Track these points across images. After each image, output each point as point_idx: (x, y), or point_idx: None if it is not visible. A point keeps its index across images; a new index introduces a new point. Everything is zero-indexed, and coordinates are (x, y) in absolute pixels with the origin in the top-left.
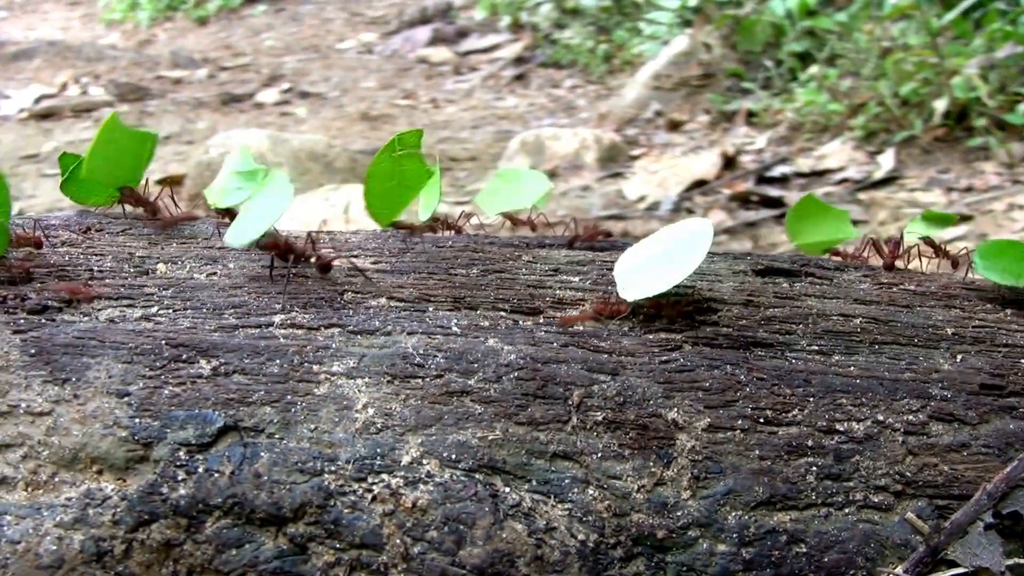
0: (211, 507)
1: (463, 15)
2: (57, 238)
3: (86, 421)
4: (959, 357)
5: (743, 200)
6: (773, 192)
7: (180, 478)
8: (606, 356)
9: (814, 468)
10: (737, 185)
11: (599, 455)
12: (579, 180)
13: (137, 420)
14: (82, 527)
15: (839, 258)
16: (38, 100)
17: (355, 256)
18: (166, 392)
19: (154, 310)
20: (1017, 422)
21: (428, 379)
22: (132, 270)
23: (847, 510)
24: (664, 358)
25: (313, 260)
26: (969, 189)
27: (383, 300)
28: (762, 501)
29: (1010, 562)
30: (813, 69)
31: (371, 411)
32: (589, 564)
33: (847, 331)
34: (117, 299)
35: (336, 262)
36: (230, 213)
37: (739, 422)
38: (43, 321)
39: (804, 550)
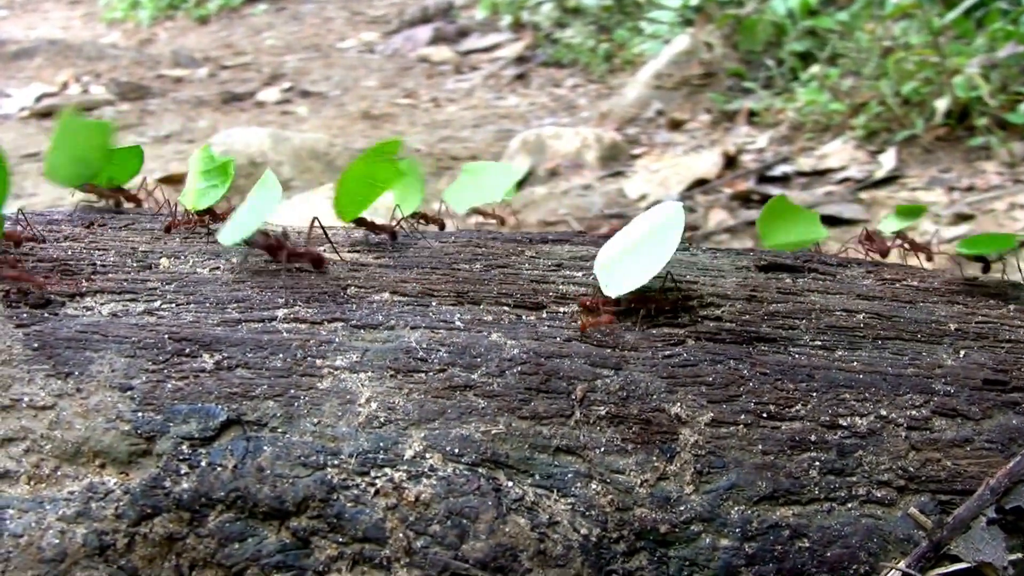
0: (214, 501)
1: (464, 14)
2: (60, 233)
3: (89, 415)
4: (962, 353)
5: (744, 199)
6: (774, 191)
7: (183, 472)
8: (609, 351)
9: (817, 463)
10: (738, 184)
11: (602, 449)
12: (580, 179)
13: (140, 414)
14: (85, 521)
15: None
16: (39, 99)
17: (357, 251)
18: (169, 386)
19: (157, 304)
20: (1020, 417)
21: (431, 373)
22: (135, 264)
23: (850, 505)
24: (667, 353)
25: (305, 256)
26: (970, 188)
27: (386, 295)
28: (765, 496)
29: (1013, 557)
30: (814, 68)
31: (374, 405)
32: (592, 558)
33: (850, 326)
34: (120, 293)
35: (328, 253)
36: (212, 213)
37: (742, 417)
38: (46, 315)
39: (807, 545)
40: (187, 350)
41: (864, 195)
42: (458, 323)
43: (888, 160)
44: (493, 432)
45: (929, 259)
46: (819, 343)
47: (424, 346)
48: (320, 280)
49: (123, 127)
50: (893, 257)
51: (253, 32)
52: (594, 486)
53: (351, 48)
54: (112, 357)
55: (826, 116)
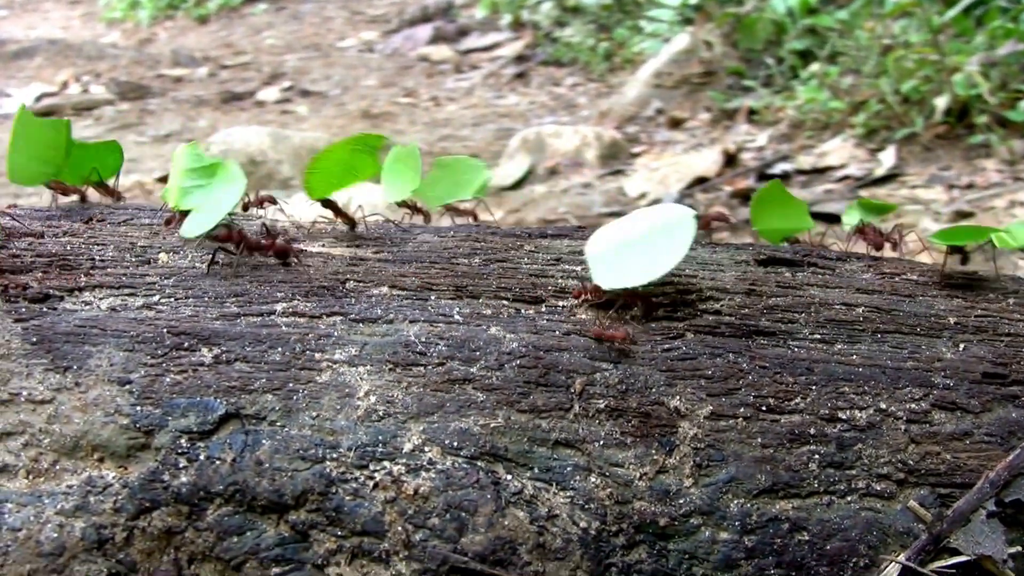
0: (212, 495)
1: (464, 13)
2: (59, 228)
3: (87, 409)
4: (961, 346)
5: (744, 197)
6: None
7: (181, 466)
8: (608, 344)
9: (816, 456)
10: (738, 182)
11: (601, 443)
12: (580, 177)
13: (138, 408)
14: (83, 515)
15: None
16: (39, 98)
17: (357, 246)
18: (168, 380)
19: (156, 299)
20: (1019, 410)
21: (430, 367)
22: (134, 259)
23: (849, 498)
24: (666, 346)
25: (269, 249)
26: (970, 186)
27: (385, 289)
28: (764, 489)
29: (1013, 550)
30: (814, 67)
31: (373, 399)
32: (591, 551)
33: (849, 320)
34: (119, 288)
35: (337, 251)
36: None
37: (741, 410)
38: (44, 310)
39: (806, 538)
40: (186, 344)
41: (864, 193)
42: (457, 317)
43: (888, 158)
44: (492, 425)
45: (895, 248)
46: (818, 337)
47: (423, 340)
48: (319, 274)
49: (123, 126)
50: (860, 249)
51: (253, 31)
52: (593, 479)
53: (351, 47)
54: (111, 351)
55: (826, 114)
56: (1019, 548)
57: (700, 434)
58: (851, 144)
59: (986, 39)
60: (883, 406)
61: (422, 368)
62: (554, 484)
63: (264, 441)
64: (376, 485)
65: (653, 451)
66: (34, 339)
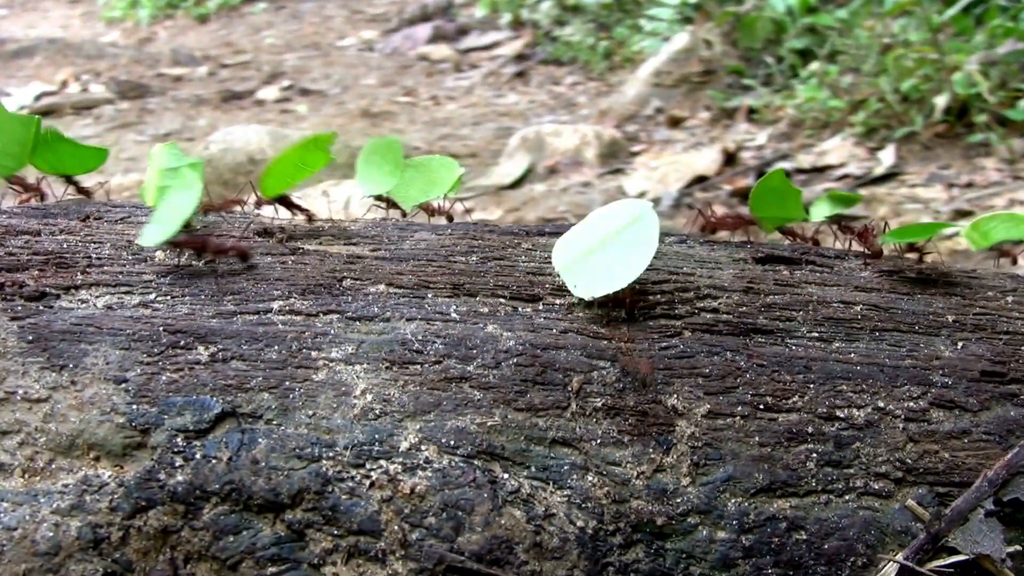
0: (209, 493)
1: (464, 12)
2: (55, 226)
3: (83, 408)
4: (960, 344)
5: (744, 196)
6: None
7: (177, 464)
8: (605, 342)
9: (814, 455)
10: (738, 181)
11: (598, 441)
12: (579, 176)
13: (134, 406)
14: (79, 514)
15: (791, 238)
16: (39, 97)
17: (354, 243)
18: (164, 378)
19: (152, 297)
20: (1018, 409)
21: (427, 365)
22: (130, 257)
23: (847, 497)
24: (664, 344)
25: (231, 250)
26: (970, 185)
27: (382, 287)
28: (762, 488)
29: (1011, 549)
30: (814, 66)
31: (369, 397)
32: (588, 551)
33: (847, 318)
34: (115, 286)
35: (334, 249)
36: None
37: (739, 408)
38: (40, 308)
39: (804, 537)
40: (182, 342)
41: (863, 192)
42: (454, 315)
43: (887, 157)
44: (489, 424)
45: (865, 242)
46: (816, 335)
47: (420, 338)
48: (316, 272)
49: (123, 125)
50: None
51: (253, 30)
52: (590, 478)
53: (350, 46)
54: (107, 350)
55: (825, 113)
56: (1018, 547)
57: (698, 433)
58: (851, 143)
59: (985, 38)
60: (881, 404)
61: (419, 366)
62: (551, 483)
63: (260, 440)
64: (372, 484)
65: (650, 450)
66: (30, 337)
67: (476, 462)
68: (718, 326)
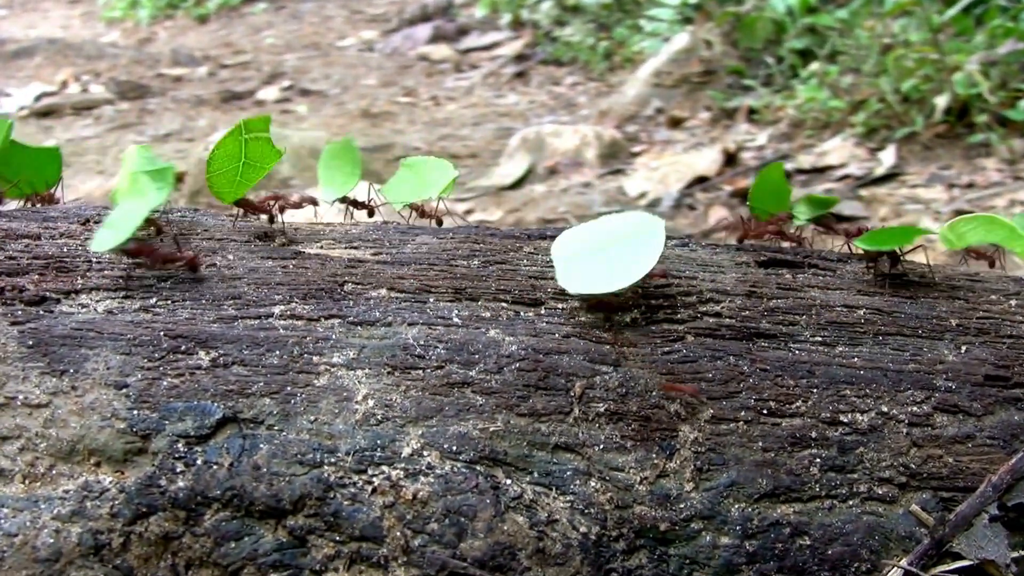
0: (210, 499)
1: (464, 13)
2: (56, 229)
3: (84, 413)
4: (963, 348)
5: (744, 196)
6: None
7: (179, 470)
8: (608, 347)
9: (818, 460)
10: (738, 181)
11: (601, 447)
12: (580, 177)
13: (135, 412)
14: (80, 520)
15: (779, 235)
16: (39, 98)
17: (355, 247)
18: (164, 383)
19: (152, 301)
20: (1022, 413)
21: (429, 370)
22: (130, 261)
23: (851, 502)
24: (666, 349)
25: (179, 259)
26: (970, 185)
27: (383, 291)
28: (765, 493)
29: (1015, 554)
30: (814, 66)
31: (371, 402)
32: (591, 557)
33: (851, 322)
34: (115, 290)
35: (335, 253)
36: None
37: (742, 413)
38: (41, 312)
39: (808, 542)
40: (183, 347)
41: (864, 192)
42: (456, 319)
43: (888, 157)
44: (491, 429)
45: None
46: (819, 339)
47: (421, 343)
48: (317, 276)
49: (123, 126)
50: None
51: (252, 31)
52: (593, 484)
53: (350, 46)
54: (107, 354)
55: (826, 113)
56: (1022, 552)
57: (701, 438)
58: (851, 143)
59: (986, 38)
60: (885, 409)
61: (421, 371)
62: (554, 488)
63: (262, 445)
64: (375, 490)
65: (653, 455)
66: (30, 342)
67: (478, 468)
68: (721, 330)
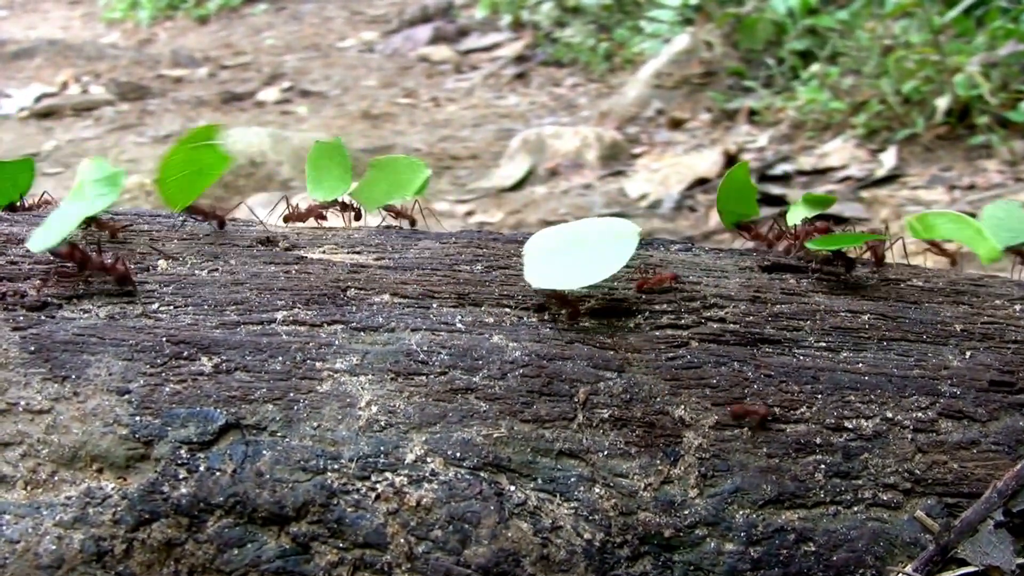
0: (213, 506)
1: (464, 14)
2: None
3: (86, 419)
4: (968, 354)
5: None
6: (775, 190)
7: (181, 477)
8: (612, 353)
9: (822, 466)
10: None
11: (605, 453)
12: (580, 178)
13: (138, 418)
14: (82, 526)
15: (746, 234)
16: (39, 99)
17: (358, 252)
18: (167, 390)
19: (155, 307)
20: None
21: (432, 376)
22: (132, 267)
23: (856, 508)
24: (671, 355)
25: (111, 270)
26: (971, 187)
27: (386, 297)
28: (770, 499)
29: (1021, 560)
30: (815, 67)
31: (374, 409)
32: (595, 563)
33: (855, 327)
34: (117, 296)
35: (337, 258)
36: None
37: (747, 419)
38: (42, 318)
39: (813, 549)
40: (185, 353)
41: (865, 194)
42: (459, 325)
43: (889, 159)
44: (495, 436)
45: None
46: (824, 344)
47: (425, 348)
48: (320, 282)
49: (123, 127)
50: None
51: (253, 32)
52: (597, 490)
53: (351, 48)
54: (109, 360)
55: (827, 115)
56: None
57: (705, 444)
58: (852, 145)
59: (987, 39)
60: (889, 415)
61: (424, 377)
62: (558, 495)
63: (265, 452)
64: (378, 496)
65: (658, 461)
66: (32, 348)
67: (482, 474)
68: (725, 336)
